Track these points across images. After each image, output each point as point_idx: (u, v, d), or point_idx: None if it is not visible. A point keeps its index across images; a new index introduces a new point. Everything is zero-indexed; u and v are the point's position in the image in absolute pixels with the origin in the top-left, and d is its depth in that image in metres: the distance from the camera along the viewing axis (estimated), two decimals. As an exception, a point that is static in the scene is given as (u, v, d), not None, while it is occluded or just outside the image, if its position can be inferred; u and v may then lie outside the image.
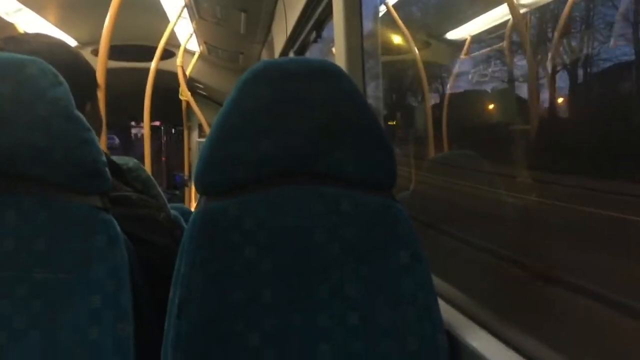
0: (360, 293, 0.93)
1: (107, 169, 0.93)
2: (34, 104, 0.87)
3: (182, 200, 6.46)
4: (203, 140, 7.08)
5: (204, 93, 6.64)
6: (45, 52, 1.02)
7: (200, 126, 6.93)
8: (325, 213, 0.94)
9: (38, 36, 1.11)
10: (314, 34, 2.59)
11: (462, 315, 1.08)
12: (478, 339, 0.96)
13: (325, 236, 0.94)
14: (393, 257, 0.94)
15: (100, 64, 2.73)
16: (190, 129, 7.30)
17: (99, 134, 1.22)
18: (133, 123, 8.58)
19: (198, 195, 0.98)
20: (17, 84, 0.87)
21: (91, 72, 1.19)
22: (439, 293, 0.98)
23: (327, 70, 0.96)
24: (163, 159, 8.33)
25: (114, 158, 1.19)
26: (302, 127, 0.94)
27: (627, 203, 1.04)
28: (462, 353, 0.95)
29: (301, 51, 2.96)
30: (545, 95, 1.44)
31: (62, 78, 0.90)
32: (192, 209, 1.51)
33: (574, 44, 1.30)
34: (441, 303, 0.97)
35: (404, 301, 0.93)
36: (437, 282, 1.02)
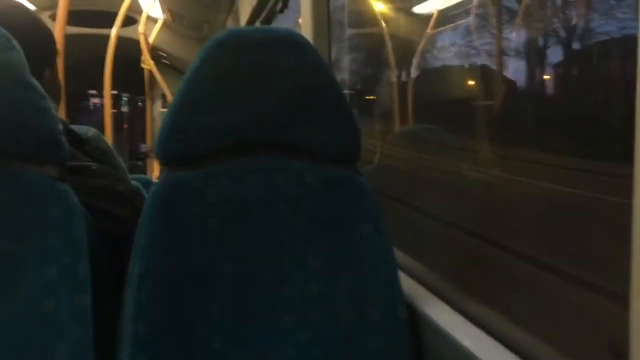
0: (323, 266, 0.93)
1: (63, 138, 0.91)
2: None
3: (144, 171, 6.36)
4: (165, 110, 6.95)
5: (168, 62, 6.49)
6: (5, 15, 0.98)
7: (163, 96, 6.79)
8: (289, 185, 0.94)
9: None
10: (280, 4, 2.55)
11: (422, 287, 1.10)
12: (436, 310, 0.98)
13: (288, 209, 0.94)
14: (356, 229, 0.95)
15: (58, 30, 2.64)
16: (152, 99, 7.14)
17: (57, 102, 1.18)
18: (94, 92, 8.35)
19: (160, 166, 0.96)
20: None
21: (50, 37, 1.15)
22: (399, 265, 0.99)
23: (294, 41, 0.94)
24: (124, 126, 8.15)
25: (74, 127, 1.16)
26: (267, 98, 0.93)
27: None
28: (422, 324, 0.97)
29: (267, 21, 2.92)
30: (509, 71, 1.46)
31: (15, 42, 0.87)
32: (154, 180, 1.49)
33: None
34: (401, 275, 0.98)
35: (366, 273, 0.94)
36: (397, 254, 1.03)
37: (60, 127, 0.90)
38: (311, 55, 0.95)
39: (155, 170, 5.66)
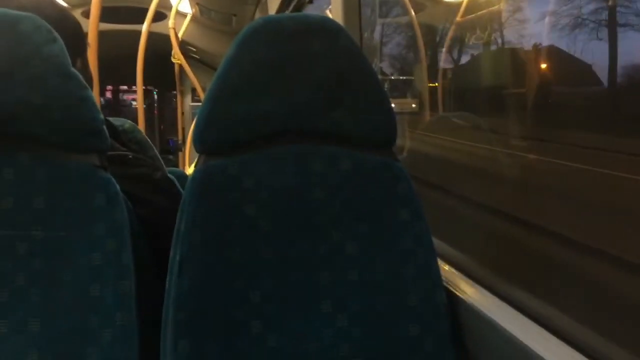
0: (360, 251, 0.93)
1: (105, 128, 0.93)
2: (30, 61, 0.86)
3: (176, 165, 6.44)
4: (196, 104, 7.02)
5: (197, 56, 6.53)
6: (33, 7, 1.00)
7: (193, 90, 6.85)
8: (325, 172, 0.94)
9: None
10: (309, -5, 2.55)
11: (459, 272, 1.09)
12: (475, 295, 0.97)
13: (325, 195, 0.94)
14: (393, 215, 0.95)
15: (92, 25, 2.68)
16: (183, 93, 7.22)
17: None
18: (125, 87, 8.49)
19: (192, 159, 0.98)
20: (12, 40, 0.85)
21: (78, 27, 1.17)
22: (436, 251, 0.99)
23: (326, 27, 0.94)
24: (158, 124, 8.28)
25: (110, 119, 1.18)
26: (301, 85, 0.93)
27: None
28: (460, 309, 0.96)
29: (296, 12, 2.91)
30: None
31: (56, 34, 0.89)
32: (187, 173, 1.51)
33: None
34: (439, 261, 0.98)
35: (404, 258, 0.94)
36: (434, 240, 1.03)
37: (102, 116, 0.92)
38: (344, 41, 0.94)
39: (187, 164, 5.73)
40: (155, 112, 8.37)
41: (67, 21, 1.12)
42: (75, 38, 1.12)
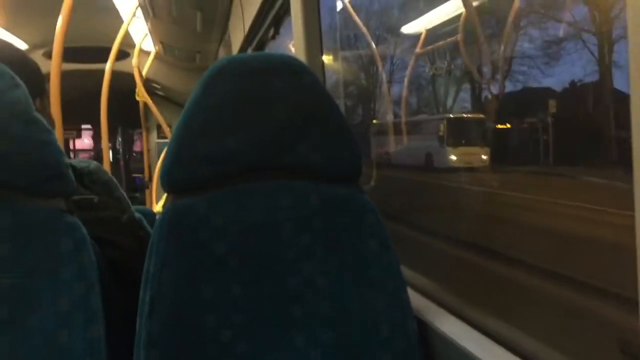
0: (331, 283, 0.94)
1: (69, 171, 0.92)
2: None
3: (143, 203, 6.36)
4: (162, 141, 6.98)
5: (161, 93, 6.54)
6: None
7: (159, 127, 6.83)
8: (294, 206, 0.95)
9: None
10: (272, 31, 2.59)
11: (429, 300, 1.11)
12: (446, 323, 0.99)
13: (294, 229, 0.95)
14: (362, 246, 0.96)
15: (54, 67, 2.66)
16: (148, 130, 7.18)
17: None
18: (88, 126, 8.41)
19: (159, 196, 0.98)
20: None
21: (37, 68, 1.17)
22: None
23: (289, 65, 0.97)
24: (121, 162, 8.19)
25: (72, 162, 1.17)
26: (267, 122, 0.95)
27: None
28: (432, 337, 0.97)
29: (259, 48, 2.95)
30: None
31: (19, 80, 0.89)
32: (154, 210, 1.50)
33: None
34: (409, 290, 0.99)
35: (374, 289, 0.95)
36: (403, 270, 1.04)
37: (66, 159, 0.92)
38: (307, 78, 0.97)
39: (154, 201, 5.66)
40: (121, 150, 8.30)
41: (27, 64, 1.12)
42: (35, 80, 1.12)
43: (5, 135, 0.85)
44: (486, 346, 0.90)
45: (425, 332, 0.98)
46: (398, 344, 0.94)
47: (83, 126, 8.41)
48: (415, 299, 1.06)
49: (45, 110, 1.16)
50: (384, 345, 0.94)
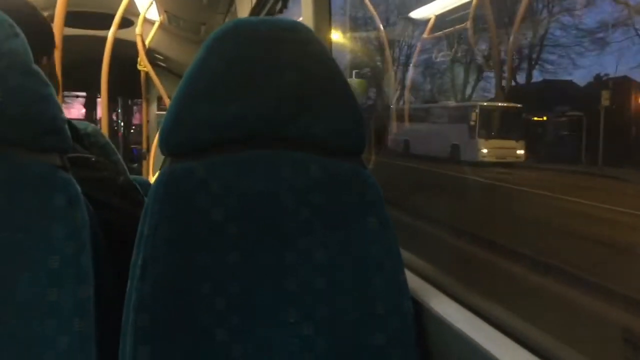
0: (328, 258, 0.92)
1: (66, 127, 0.90)
2: None
3: (140, 174, 6.34)
4: (162, 113, 6.93)
5: (164, 64, 6.47)
6: (1, 2, 0.97)
7: (159, 99, 6.77)
8: (294, 178, 0.93)
9: None
10: (280, 4, 2.55)
11: (426, 282, 1.09)
12: (442, 305, 0.97)
13: (293, 201, 0.93)
14: (361, 223, 0.94)
15: (56, 30, 2.62)
16: (149, 101, 7.12)
17: (56, 92, 1.17)
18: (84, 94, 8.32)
19: (156, 169, 0.95)
20: None
21: (48, 26, 1.14)
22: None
23: (298, 32, 0.94)
24: (119, 134, 8.16)
25: (73, 121, 1.15)
26: (272, 90, 0.92)
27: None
28: (427, 318, 0.96)
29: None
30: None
31: (19, 30, 0.86)
32: (151, 182, 1.48)
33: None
34: (405, 271, 0.98)
35: (372, 267, 0.93)
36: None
37: (63, 115, 0.89)
38: (315, 46, 0.94)
39: (151, 173, 5.64)
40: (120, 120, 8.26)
41: (38, 19, 1.09)
42: (43, 36, 1.10)
43: (1, 86, 0.83)
44: (481, 328, 0.88)
45: (420, 313, 0.97)
46: (393, 323, 0.92)
47: (77, 94, 8.30)
48: (412, 280, 1.04)
49: (52, 68, 1.13)
50: (378, 324, 0.92)
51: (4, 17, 0.85)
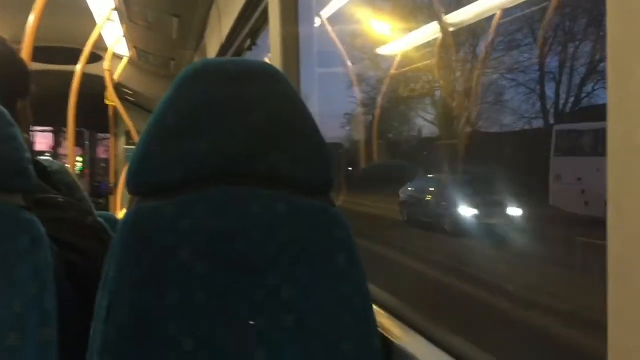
0: (296, 296, 0.92)
1: (30, 167, 0.89)
2: None
3: (106, 209, 6.25)
4: (130, 147, 6.88)
5: (132, 99, 6.46)
6: None
7: (127, 133, 6.73)
8: (262, 215, 0.93)
9: None
10: (248, 41, 2.58)
11: (395, 319, 1.09)
12: (411, 342, 0.97)
13: (261, 238, 0.93)
14: (330, 260, 0.94)
15: None
16: (116, 136, 7.07)
17: (26, 133, 1.16)
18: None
19: (124, 203, 0.95)
20: None
21: (26, 69, 1.14)
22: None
23: (266, 71, 0.95)
24: (85, 170, 8.06)
25: (39, 159, 1.14)
26: (239, 128, 0.93)
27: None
28: (396, 355, 0.96)
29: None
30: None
31: None
32: (118, 217, 1.46)
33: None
34: (374, 307, 0.98)
35: (340, 305, 0.93)
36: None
37: (28, 155, 0.88)
38: (283, 86, 0.95)
39: (118, 208, 5.55)
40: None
41: (15, 61, 1.09)
42: (20, 79, 1.10)
43: None
44: None
45: (389, 350, 0.97)
46: None
47: (42, 128, 8.18)
48: (380, 316, 1.05)
49: (25, 110, 1.13)
50: None
51: None
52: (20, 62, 1.13)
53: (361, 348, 0.92)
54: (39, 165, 1.08)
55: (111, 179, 6.85)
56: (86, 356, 0.84)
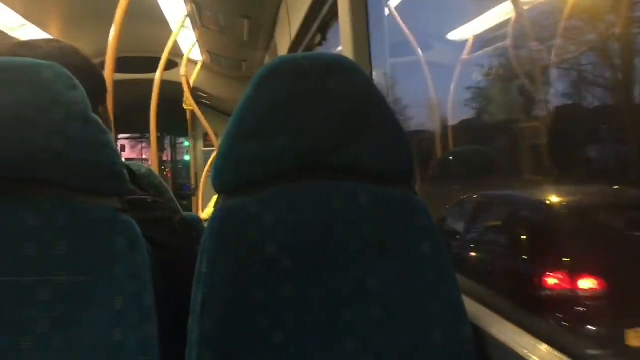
0: (383, 287, 0.92)
1: (125, 171, 0.93)
2: (51, 108, 0.87)
3: (190, 210, 6.48)
4: (208, 149, 7.10)
5: (208, 102, 6.65)
6: (58, 55, 1.02)
7: (205, 135, 6.94)
8: (344, 207, 0.94)
9: (50, 41, 1.12)
10: (318, 37, 2.60)
11: (484, 306, 1.07)
12: (502, 329, 0.95)
13: (344, 231, 0.93)
14: (414, 249, 0.94)
15: (107, 77, 2.74)
16: (195, 139, 7.31)
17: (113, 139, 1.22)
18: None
19: (205, 204, 0.98)
20: (34, 88, 0.87)
21: (101, 75, 1.19)
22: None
23: (341, 64, 0.96)
24: (169, 173, 8.39)
25: (128, 163, 1.19)
26: (318, 122, 0.94)
27: None
28: (487, 343, 0.94)
29: (306, 55, 2.96)
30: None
31: (77, 81, 0.91)
32: (201, 217, 1.52)
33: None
34: (463, 296, 0.96)
35: (427, 293, 0.92)
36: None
37: (122, 160, 0.93)
38: (359, 77, 0.96)
39: (200, 209, 5.75)
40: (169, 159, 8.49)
41: (91, 69, 1.14)
42: (97, 85, 1.15)
43: (63, 135, 0.87)
44: (545, 352, 0.86)
45: (481, 339, 0.95)
46: (452, 350, 0.91)
47: (128, 135, 8.59)
48: (470, 305, 1.03)
49: (107, 116, 1.18)
50: (437, 351, 0.91)
51: (62, 69, 0.90)
52: (96, 68, 1.17)
53: (450, 335, 0.91)
54: (129, 169, 1.13)
55: (192, 181, 7.09)
56: (185, 351, 0.88)
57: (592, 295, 1.97)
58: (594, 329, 1.85)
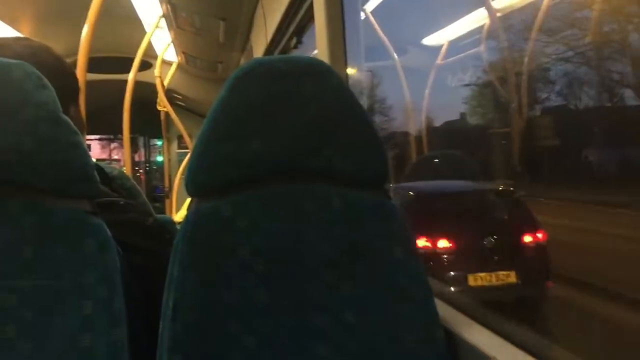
0: (355, 291, 0.92)
1: (95, 173, 0.92)
2: (20, 108, 0.85)
3: (163, 212, 6.41)
4: (182, 151, 7.04)
5: (183, 104, 6.60)
6: (29, 55, 1.00)
7: (179, 137, 6.89)
8: (318, 211, 0.94)
9: (19, 40, 1.09)
10: (294, 40, 2.59)
11: (456, 310, 1.08)
12: (474, 333, 0.96)
13: (317, 235, 0.93)
14: (387, 253, 0.94)
15: (79, 77, 2.68)
16: (169, 140, 7.24)
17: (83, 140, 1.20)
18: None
19: (179, 206, 0.97)
20: (3, 88, 0.85)
21: (73, 75, 1.17)
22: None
23: (316, 67, 0.95)
24: (142, 176, 8.31)
25: (100, 164, 1.17)
26: (292, 125, 0.94)
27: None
28: (460, 347, 0.95)
29: (282, 57, 2.96)
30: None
31: (47, 81, 0.89)
32: (174, 220, 1.50)
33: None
34: (435, 299, 0.97)
35: (400, 297, 0.93)
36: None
37: (92, 162, 0.92)
38: (333, 81, 0.95)
39: (174, 211, 5.69)
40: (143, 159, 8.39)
41: (63, 69, 1.12)
42: (69, 85, 1.13)
43: (32, 136, 0.85)
44: (517, 355, 0.87)
45: (453, 342, 0.95)
46: (425, 353, 0.91)
47: (100, 136, 8.48)
48: (442, 308, 1.04)
49: (79, 117, 1.16)
50: (410, 355, 0.91)
51: (32, 69, 0.88)
52: (69, 67, 1.15)
53: (423, 339, 0.92)
54: (100, 171, 1.12)
55: (166, 183, 7.02)
56: (156, 355, 0.87)
57: (446, 252, 3.56)
58: (451, 274, 3.41)
